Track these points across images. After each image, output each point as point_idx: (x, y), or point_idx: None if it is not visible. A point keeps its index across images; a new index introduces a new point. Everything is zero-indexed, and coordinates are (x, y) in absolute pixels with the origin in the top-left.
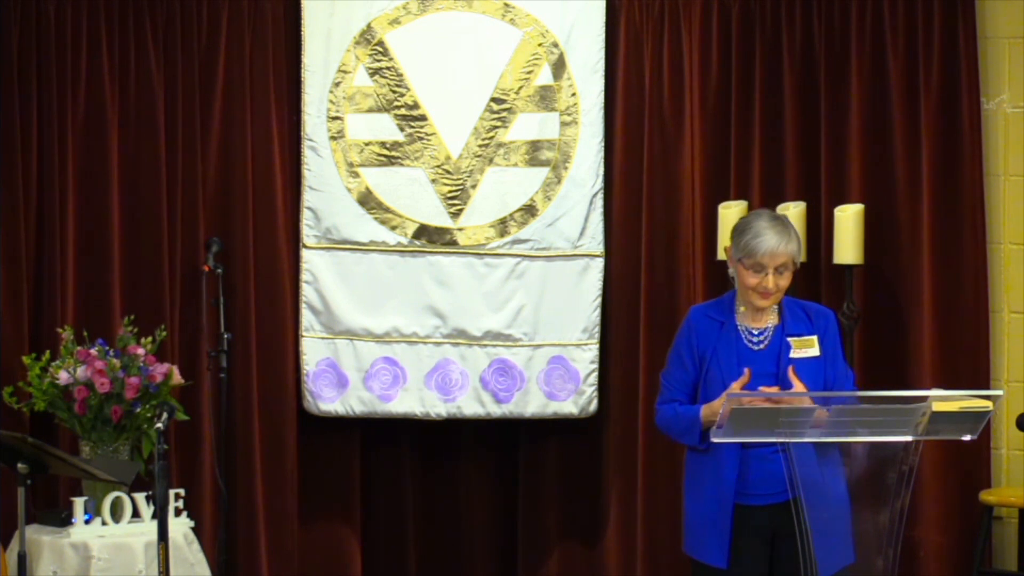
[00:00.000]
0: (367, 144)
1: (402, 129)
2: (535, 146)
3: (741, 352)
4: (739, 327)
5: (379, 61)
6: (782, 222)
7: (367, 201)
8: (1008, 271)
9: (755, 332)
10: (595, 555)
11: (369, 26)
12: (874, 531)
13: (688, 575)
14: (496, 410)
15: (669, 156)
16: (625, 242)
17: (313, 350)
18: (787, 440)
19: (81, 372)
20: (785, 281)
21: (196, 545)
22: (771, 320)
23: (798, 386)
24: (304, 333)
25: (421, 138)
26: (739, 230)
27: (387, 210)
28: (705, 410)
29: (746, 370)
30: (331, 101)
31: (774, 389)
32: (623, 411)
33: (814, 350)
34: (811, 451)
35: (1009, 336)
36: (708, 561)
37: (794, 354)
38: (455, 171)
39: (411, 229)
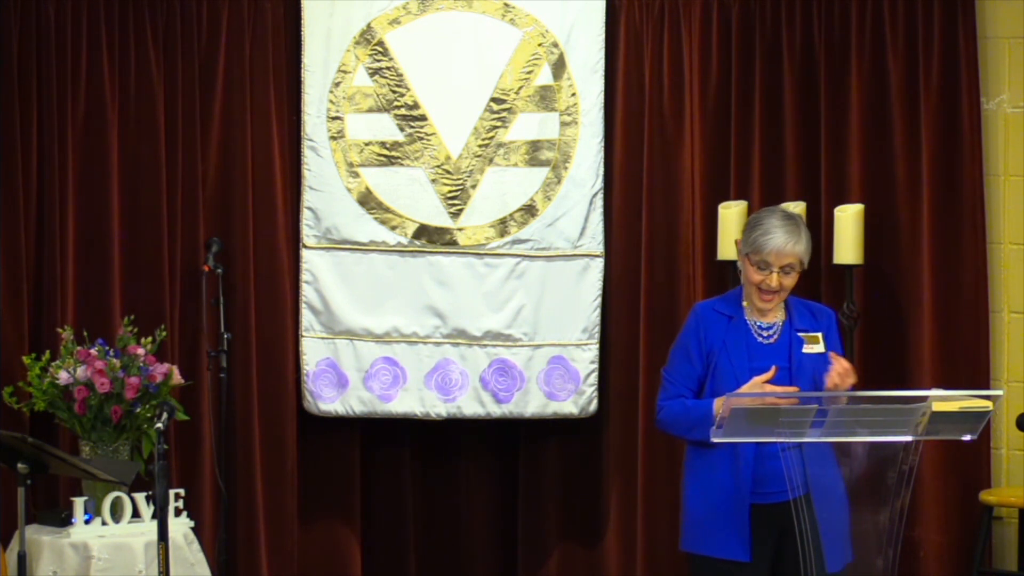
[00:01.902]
0: (367, 144)
1: (402, 129)
2: (535, 146)
3: (751, 346)
4: (748, 321)
5: (379, 61)
6: (795, 222)
7: (367, 201)
8: (1008, 271)
9: (764, 326)
10: (595, 555)
11: (369, 26)
12: (874, 531)
13: (688, 574)
14: (496, 410)
15: (669, 156)
16: (625, 242)
17: (313, 350)
18: (789, 440)
19: (81, 372)
20: (790, 281)
21: (196, 545)
22: (779, 315)
23: (849, 372)
24: (304, 333)
25: (421, 138)
26: (751, 224)
27: (387, 210)
28: (718, 403)
29: (774, 367)
30: (331, 101)
31: (792, 388)
32: (623, 411)
33: (820, 347)
34: (823, 449)
35: (1009, 336)
36: (727, 556)
37: (805, 349)
38: (455, 171)
39: (411, 229)
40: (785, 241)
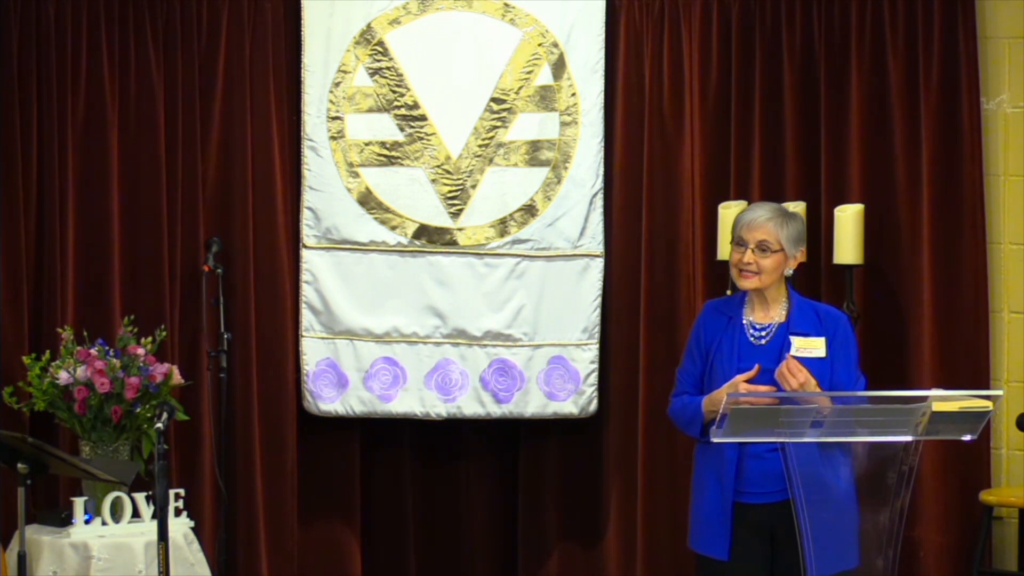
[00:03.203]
0: (367, 144)
1: (402, 129)
2: (535, 146)
3: (742, 345)
4: (744, 321)
5: (379, 61)
6: (782, 209)
7: (367, 201)
8: (1008, 271)
9: (758, 327)
10: (595, 555)
11: (369, 26)
12: (874, 531)
13: (688, 574)
14: (496, 410)
15: (669, 156)
16: (625, 242)
17: (313, 350)
18: (787, 440)
19: (81, 372)
20: (767, 262)
21: (196, 545)
22: (777, 316)
23: (800, 369)
24: (304, 333)
25: (421, 138)
26: None
27: (387, 210)
28: (705, 402)
29: (757, 365)
30: (331, 101)
31: (770, 388)
32: (623, 411)
33: (819, 351)
34: (812, 449)
35: (1009, 336)
36: (710, 553)
37: (794, 352)
38: (455, 171)
39: (411, 229)
40: (759, 214)
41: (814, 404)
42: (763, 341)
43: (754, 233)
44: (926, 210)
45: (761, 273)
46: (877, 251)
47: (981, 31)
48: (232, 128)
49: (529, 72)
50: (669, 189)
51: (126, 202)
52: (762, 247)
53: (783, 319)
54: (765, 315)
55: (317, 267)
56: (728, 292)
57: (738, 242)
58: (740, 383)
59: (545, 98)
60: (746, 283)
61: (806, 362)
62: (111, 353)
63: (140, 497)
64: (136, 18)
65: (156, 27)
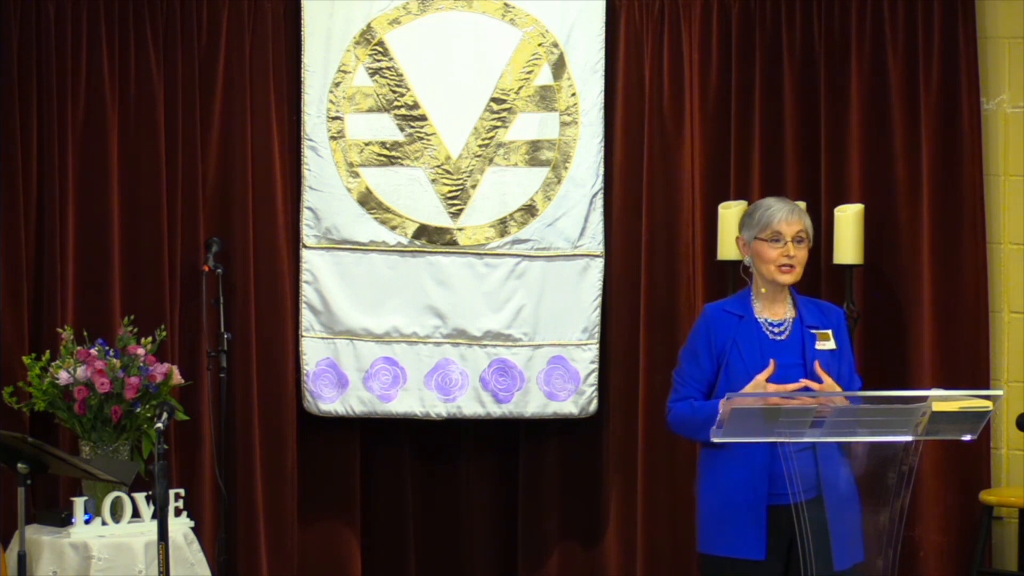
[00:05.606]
0: (367, 144)
1: (402, 129)
2: (535, 146)
3: (763, 343)
4: (758, 319)
5: (379, 61)
6: (789, 200)
7: (367, 201)
8: (1008, 271)
9: (775, 323)
10: (595, 555)
11: (369, 26)
12: (874, 531)
13: (689, 574)
14: (496, 410)
15: (669, 156)
16: (625, 242)
17: (313, 350)
18: (786, 440)
19: (81, 372)
20: (803, 254)
21: (196, 545)
22: (789, 312)
23: (827, 379)
24: (304, 333)
25: (421, 138)
26: (749, 213)
27: (387, 210)
28: (724, 404)
29: (772, 361)
30: (331, 101)
31: (798, 385)
32: (623, 411)
33: (831, 343)
34: (833, 449)
35: (1009, 336)
36: (744, 555)
37: (818, 345)
38: (455, 171)
39: (411, 229)
40: (791, 209)
41: (812, 413)
42: (782, 337)
43: (793, 227)
44: (926, 210)
45: (797, 266)
46: (877, 251)
47: (981, 31)
48: (232, 128)
49: (529, 72)
50: (669, 189)
51: (126, 202)
52: (798, 239)
53: (794, 314)
54: (776, 312)
55: (317, 267)
56: (755, 302)
57: (774, 238)
58: (762, 383)
59: (545, 98)
60: (787, 278)
61: (823, 355)
62: (111, 353)
63: (140, 497)
64: (136, 18)
65: (156, 27)
